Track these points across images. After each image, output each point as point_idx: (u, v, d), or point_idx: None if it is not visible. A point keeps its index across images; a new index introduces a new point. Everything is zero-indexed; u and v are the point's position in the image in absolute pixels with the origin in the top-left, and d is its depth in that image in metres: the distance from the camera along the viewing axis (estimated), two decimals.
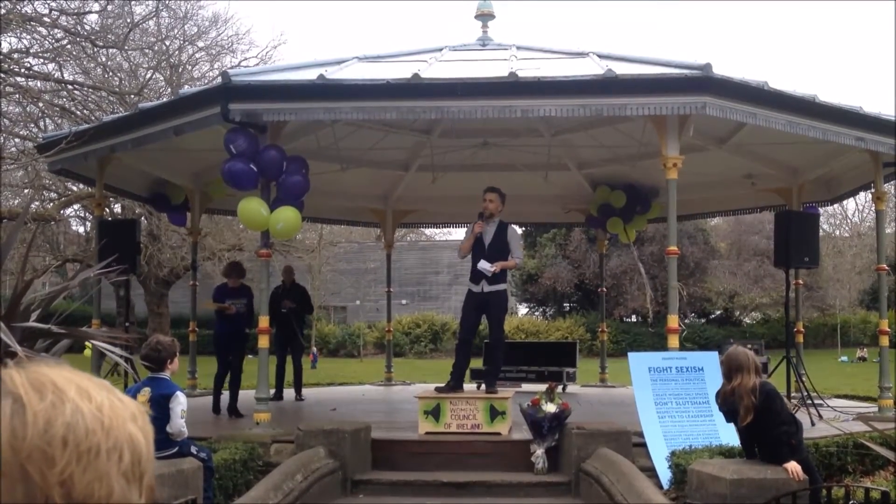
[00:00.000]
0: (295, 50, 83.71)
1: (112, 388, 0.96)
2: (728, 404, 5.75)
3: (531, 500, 7.14)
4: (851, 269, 33.79)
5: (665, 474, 6.95)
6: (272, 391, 10.53)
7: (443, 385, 8.64)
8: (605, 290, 15.92)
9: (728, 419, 5.91)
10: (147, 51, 17.98)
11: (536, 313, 41.17)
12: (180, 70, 18.87)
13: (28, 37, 13.81)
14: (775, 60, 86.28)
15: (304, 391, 12.13)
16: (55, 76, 14.89)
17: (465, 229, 9.34)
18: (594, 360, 20.16)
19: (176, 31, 19.58)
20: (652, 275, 29.91)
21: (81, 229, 24.87)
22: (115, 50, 16.04)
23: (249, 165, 7.98)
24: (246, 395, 10.01)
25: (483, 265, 8.60)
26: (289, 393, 11.90)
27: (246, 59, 21.18)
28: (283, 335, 11.37)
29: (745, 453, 6.04)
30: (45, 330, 4.68)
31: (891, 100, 65.19)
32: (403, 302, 38.43)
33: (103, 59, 16.40)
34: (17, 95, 13.37)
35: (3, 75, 12.10)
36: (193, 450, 6.23)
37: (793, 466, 5.50)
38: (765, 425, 5.60)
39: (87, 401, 0.91)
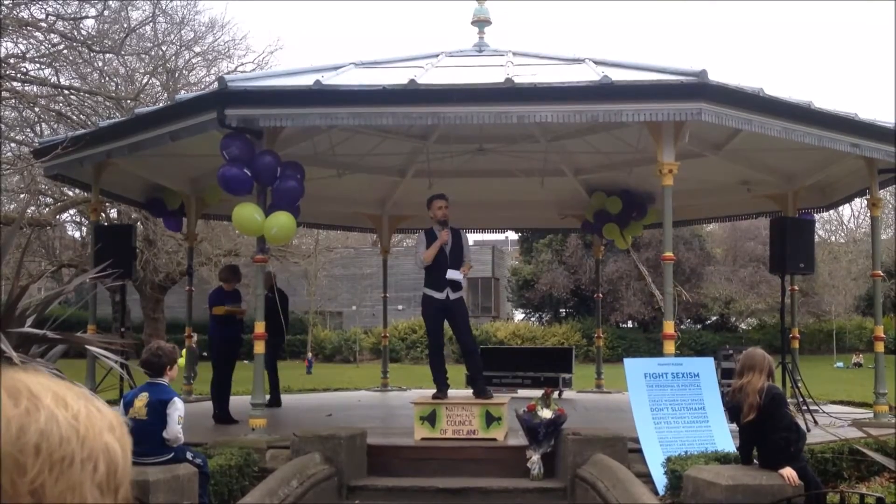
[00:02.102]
0: (292, 55, 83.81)
1: (91, 396, 0.93)
2: (735, 401, 5.79)
3: None
4: (847, 275, 33.84)
5: (661, 480, 6.95)
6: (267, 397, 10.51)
7: (438, 392, 8.70)
8: (601, 295, 15.90)
9: (731, 417, 5.93)
10: (143, 56, 17.99)
11: (532, 319, 41.15)
12: (177, 75, 18.88)
13: (25, 41, 13.80)
14: (773, 63, 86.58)
15: (300, 397, 12.10)
16: (51, 81, 14.88)
17: (418, 236, 9.53)
18: (590, 366, 20.12)
19: (172, 36, 19.60)
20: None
21: (77, 234, 24.84)
22: (111, 55, 16.05)
23: (244, 171, 7.98)
24: (242, 401, 9.98)
25: (454, 275, 8.80)
26: (286, 398, 11.86)
27: (242, 64, 21.21)
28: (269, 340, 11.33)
29: (742, 458, 6.05)
30: (41, 335, 4.68)
31: (891, 102, 65.26)
32: (400, 307, 38.37)
33: (100, 65, 16.42)
34: (14, 100, 13.37)
35: None
36: (189, 455, 6.22)
37: (788, 472, 5.52)
38: (766, 429, 5.63)
39: (62, 409, 0.88)
